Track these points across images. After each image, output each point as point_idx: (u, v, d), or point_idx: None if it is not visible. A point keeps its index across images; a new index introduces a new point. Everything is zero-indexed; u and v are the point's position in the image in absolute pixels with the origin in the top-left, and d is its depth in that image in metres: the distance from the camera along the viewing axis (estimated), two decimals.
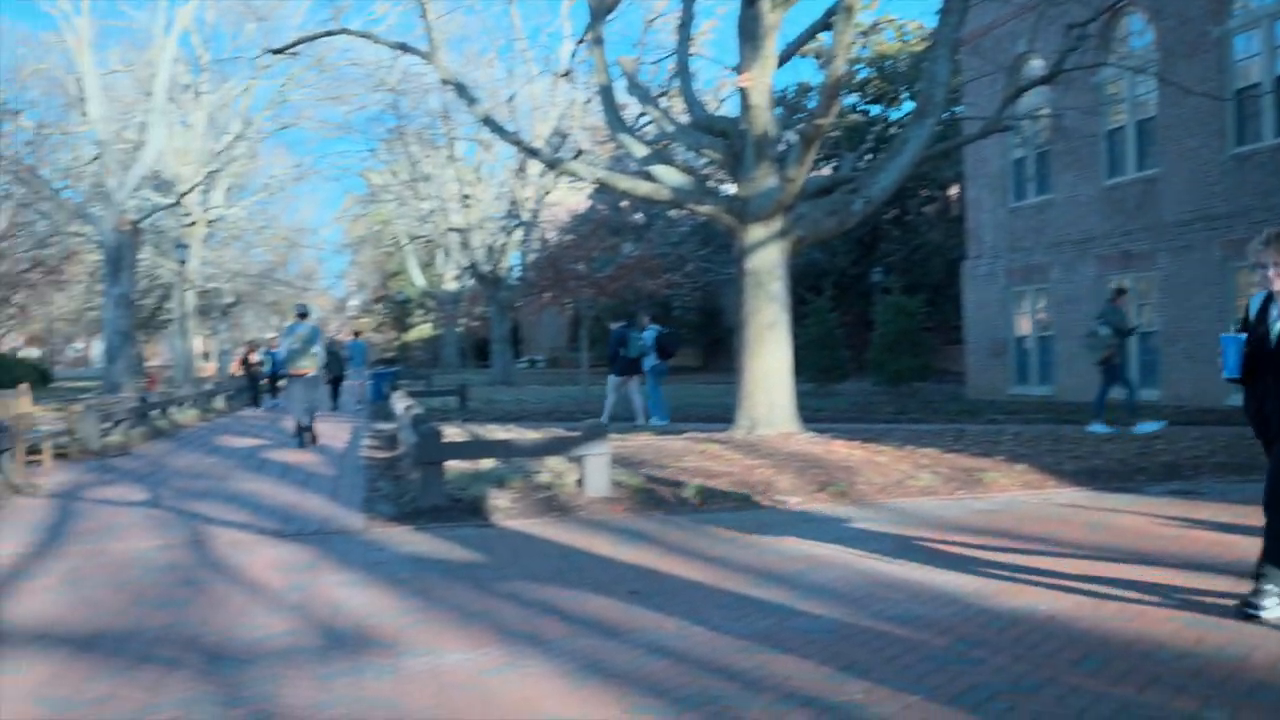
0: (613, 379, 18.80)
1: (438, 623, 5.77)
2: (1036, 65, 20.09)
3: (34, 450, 13.66)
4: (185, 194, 35.86)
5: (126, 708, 4.50)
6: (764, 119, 13.30)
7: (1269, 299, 5.44)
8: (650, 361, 18.61)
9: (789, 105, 37.33)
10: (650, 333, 18.73)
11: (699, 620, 5.66)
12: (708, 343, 49.25)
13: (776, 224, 13.76)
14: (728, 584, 6.50)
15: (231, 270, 50.34)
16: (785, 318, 13.97)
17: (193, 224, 39.30)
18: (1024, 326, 24.52)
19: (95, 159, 33.16)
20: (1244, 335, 5.46)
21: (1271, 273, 5.34)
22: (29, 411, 14.81)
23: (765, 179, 13.68)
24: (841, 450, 12.00)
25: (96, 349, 76.50)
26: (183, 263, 33.88)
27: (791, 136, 19.66)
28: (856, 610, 5.80)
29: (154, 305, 53.61)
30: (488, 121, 16.00)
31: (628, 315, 22.08)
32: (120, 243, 29.78)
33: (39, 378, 44.23)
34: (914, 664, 4.82)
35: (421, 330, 74.88)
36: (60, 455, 14.45)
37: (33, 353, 66.07)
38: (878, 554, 7.30)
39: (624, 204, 42.43)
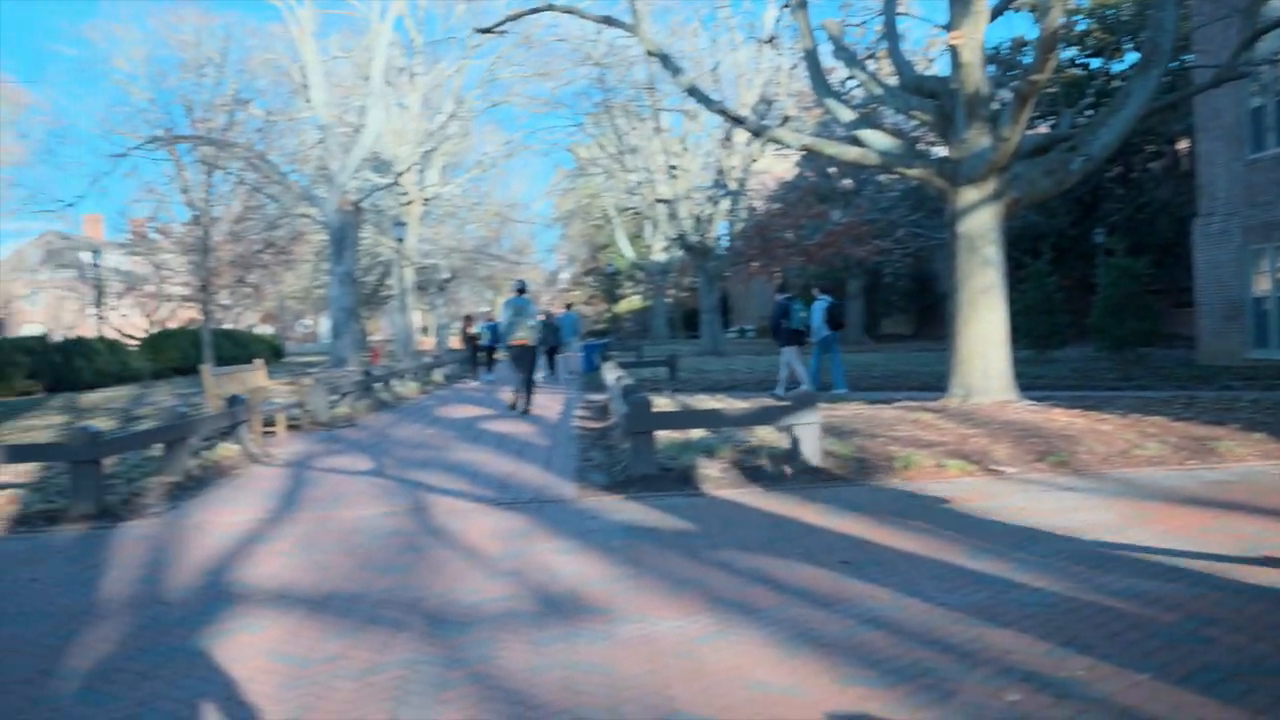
0: (786, 351, 18.90)
1: (649, 590, 5.89)
2: (1276, 5, 18.67)
3: (269, 422, 14.59)
4: (402, 174, 37.33)
5: (355, 666, 4.78)
6: (976, 77, 12.85)
7: None
8: (821, 333, 18.79)
9: (1002, 62, 35.92)
10: (820, 305, 18.93)
11: (913, 591, 5.58)
12: (919, 310, 48.14)
13: (990, 186, 13.30)
14: (942, 555, 6.39)
15: (447, 246, 52.16)
16: (1000, 282, 13.51)
17: (410, 202, 40.89)
18: (1262, 287, 22.93)
19: (319, 143, 34.83)
20: None
21: None
22: (264, 386, 15.84)
23: (978, 139, 13.23)
24: (1061, 418, 11.55)
25: (323, 325, 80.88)
26: (401, 240, 35.33)
27: (1005, 95, 18.94)
28: (1078, 584, 5.60)
29: (375, 282, 56.14)
30: (692, 91, 16.03)
31: (798, 288, 22.14)
32: (343, 223, 31.27)
33: (272, 353, 47.15)
34: (1140, 641, 4.63)
35: (631, 302, 75.91)
36: (293, 426, 15.36)
37: (266, 330, 70.32)
38: (1101, 525, 7.02)
39: (832, 170, 41.81)
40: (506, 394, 17.79)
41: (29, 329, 58.01)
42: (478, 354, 29.04)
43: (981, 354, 13.33)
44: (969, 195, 13.34)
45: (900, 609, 5.29)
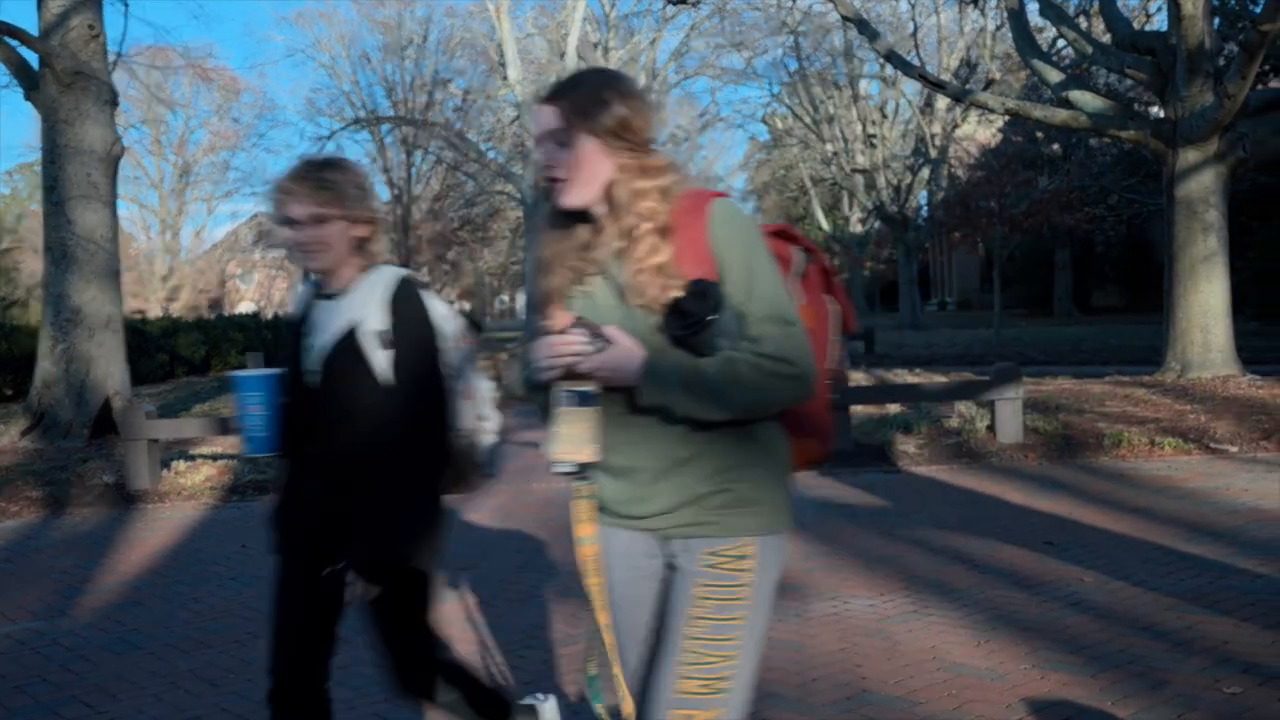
0: None
1: (843, 568, 5.78)
2: None
3: None
4: None
5: (550, 636, 4.85)
6: (1199, 30, 12.03)
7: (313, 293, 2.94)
8: None
9: (1228, 14, 33.67)
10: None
11: (1121, 575, 5.29)
12: (1133, 281, 45.72)
13: (1212, 146, 12.47)
14: (1154, 537, 6.04)
15: None
16: (1223, 250, 12.68)
17: None
18: None
19: (515, 120, 35.56)
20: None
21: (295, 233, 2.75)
22: None
23: (1200, 97, 12.41)
24: None
25: (520, 301, 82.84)
26: None
27: (1231, 49, 17.73)
28: None
29: None
30: (890, 57, 15.60)
31: None
32: (539, 198, 31.83)
33: (472, 328, 48.49)
34: None
35: None
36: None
37: (465, 306, 72.53)
38: None
39: (1039, 135, 40.11)
40: None
41: (244, 307, 61.56)
42: None
43: (1201, 326, 12.56)
44: (1189, 157, 12.54)
45: (1107, 593, 5.02)
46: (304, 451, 2.88)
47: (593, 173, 2.05)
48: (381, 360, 2.72)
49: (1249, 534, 6.01)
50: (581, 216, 2.12)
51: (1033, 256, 43.74)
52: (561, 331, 2.02)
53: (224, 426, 10.20)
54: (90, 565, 6.75)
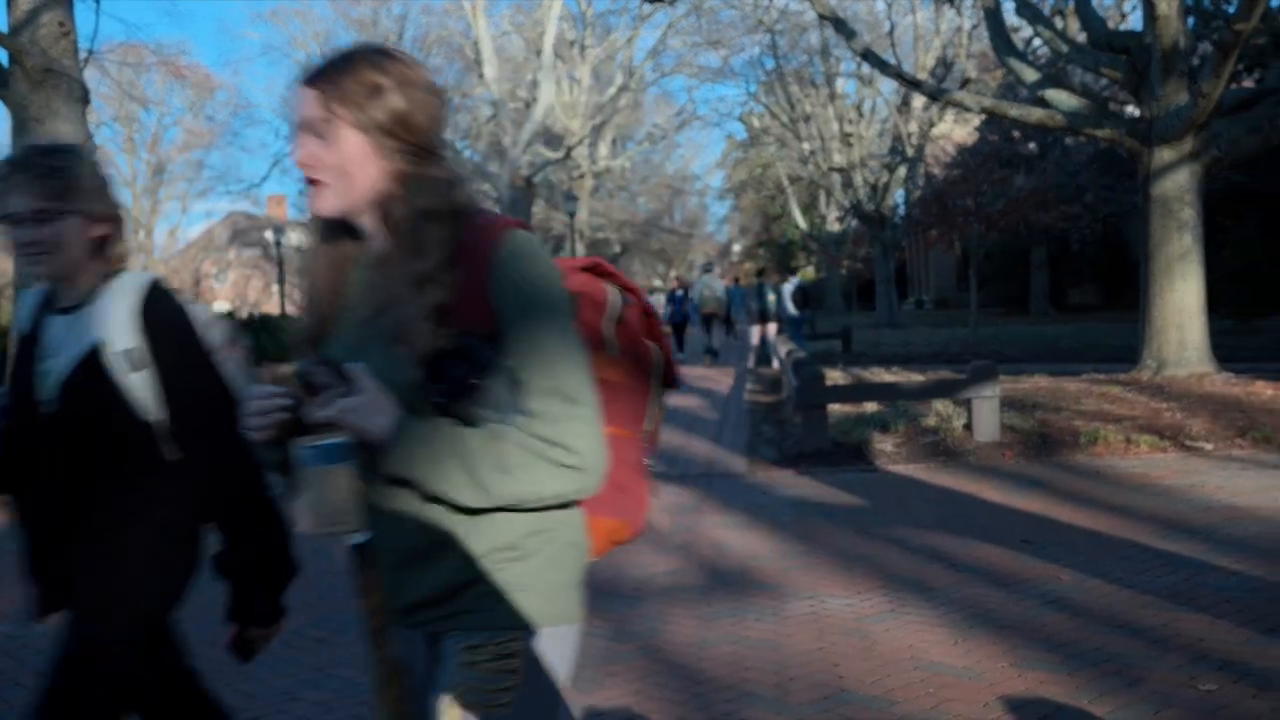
0: (750, 329, 21.56)
1: (820, 567, 5.77)
2: None
3: None
4: (573, 147, 37.71)
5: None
6: (1174, 29, 12.11)
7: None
8: (788, 313, 20.90)
9: (1202, 13, 33.90)
10: (788, 287, 21.43)
11: (1098, 573, 5.31)
12: (1108, 279, 45.97)
13: (1187, 145, 12.54)
14: (1131, 535, 6.06)
15: (619, 220, 52.56)
16: (1197, 248, 12.75)
17: (581, 176, 41.32)
18: None
19: (491, 119, 35.47)
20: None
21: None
22: None
23: (1175, 96, 12.47)
24: (1267, 391, 10.85)
25: None
26: (573, 214, 35.72)
27: (1205, 48, 17.85)
28: None
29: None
30: (867, 55, 15.62)
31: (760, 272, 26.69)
32: (515, 198, 31.79)
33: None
34: None
35: (804, 274, 75.03)
36: None
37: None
38: None
39: (1015, 134, 40.28)
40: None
41: (218, 306, 61.22)
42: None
43: (1176, 324, 12.63)
44: (1164, 156, 12.61)
45: (1083, 591, 5.03)
46: (31, 493, 2.41)
47: (356, 177, 1.66)
48: (137, 385, 2.31)
49: (1223, 532, 6.03)
50: (349, 228, 1.75)
51: (1009, 255, 43.93)
52: (275, 381, 1.68)
53: None
54: None
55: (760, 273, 26.18)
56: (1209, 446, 8.85)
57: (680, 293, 24.44)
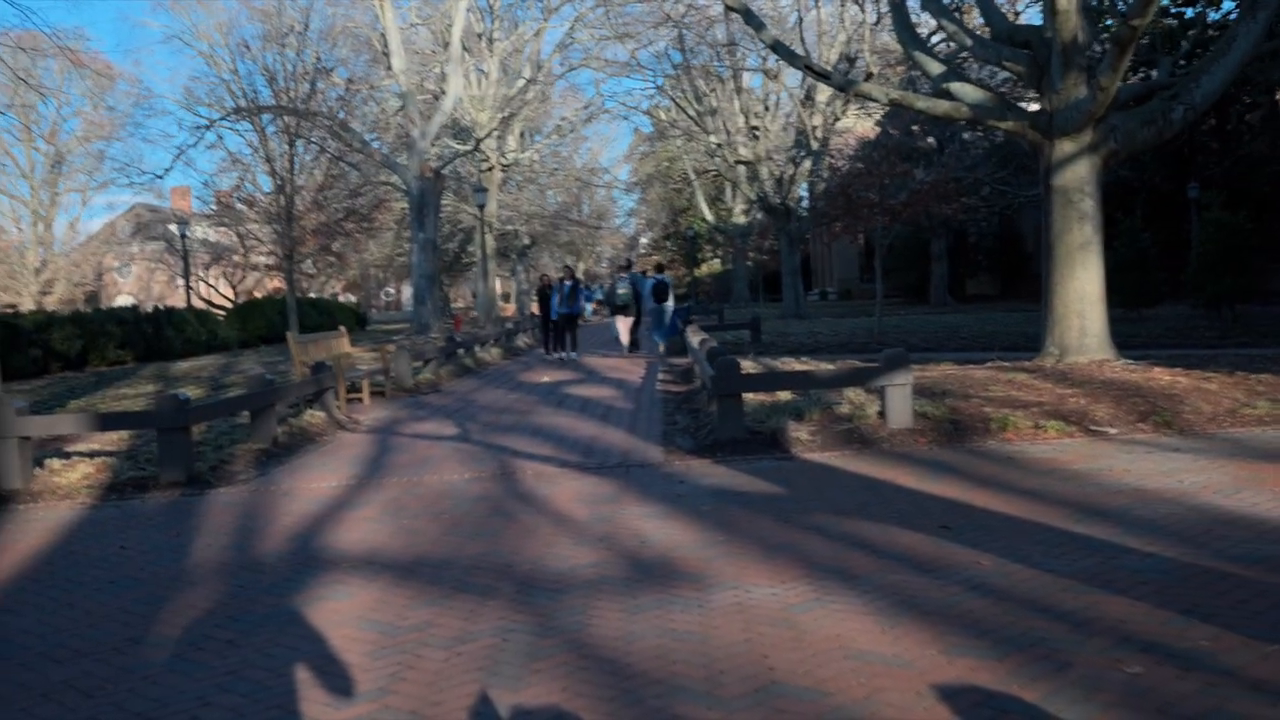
0: (615, 319, 23.53)
1: (742, 556, 5.73)
2: None
3: (354, 388, 14.68)
4: (482, 140, 37.37)
5: (445, 634, 4.68)
6: (1072, 24, 12.36)
7: None
8: (649, 305, 22.65)
9: (1093, 13, 34.71)
10: (648, 282, 23.10)
11: (1018, 557, 5.35)
12: (1005, 270, 47.07)
13: (1086, 137, 12.82)
14: (1046, 519, 6.13)
15: (527, 212, 52.20)
16: (1097, 238, 13.05)
17: (490, 169, 40.95)
18: None
19: (399, 111, 34.98)
20: None
21: None
22: (348, 352, 15.94)
23: (1074, 89, 12.74)
24: (1164, 377, 11.13)
25: (406, 293, 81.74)
26: (482, 206, 35.40)
27: (1096, 48, 18.26)
28: (1194, 549, 5.32)
29: (456, 249, 56.43)
30: (776, 47, 15.68)
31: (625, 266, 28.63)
32: (424, 190, 31.39)
33: (356, 321, 47.69)
34: (1267, 610, 4.35)
35: (711, 266, 75.48)
36: (377, 393, 15.43)
37: (350, 298, 71.28)
38: (1213, 488, 6.69)
39: (915, 128, 40.92)
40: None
41: (122, 300, 59.48)
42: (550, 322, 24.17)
43: (1078, 312, 12.91)
44: (1064, 148, 12.87)
45: (1005, 575, 5.06)
46: None
47: None
48: None
49: (1134, 514, 6.13)
50: None
51: (910, 247, 44.72)
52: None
53: (104, 422, 9.80)
54: None
55: (626, 266, 28.90)
56: (1113, 431, 9.02)
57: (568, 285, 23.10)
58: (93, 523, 7.67)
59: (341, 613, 5.08)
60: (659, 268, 25.26)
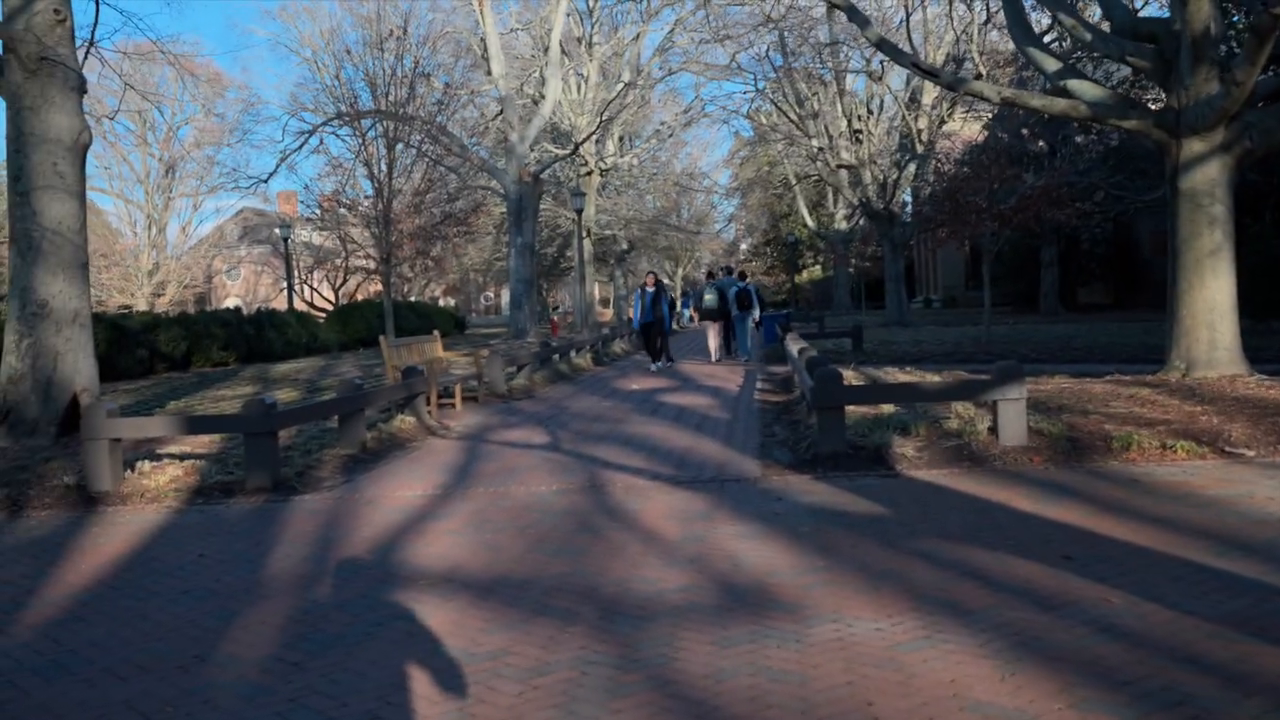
0: (706, 326, 23.04)
1: (843, 584, 5.29)
2: None
3: (446, 393, 14.49)
4: (580, 144, 37.25)
5: (521, 664, 4.34)
6: (1205, 13, 11.59)
7: None
8: (734, 312, 22.37)
9: (1223, 2, 33.30)
10: (733, 289, 22.54)
11: (1151, 595, 4.82)
12: (1119, 278, 45.49)
13: (1218, 136, 12.04)
14: (1180, 551, 5.57)
15: (625, 217, 52.06)
16: (1228, 244, 12.25)
17: (588, 173, 40.84)
18: None
19: (498, 115, 35.04)
20: None
21: None
22: (442, 357, 15.78)
23: (1205, 85, 11.97)
24: None
25: (505, 297, 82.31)
26: (580, 211, 35.28)
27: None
28: None
29: (554, 254, 56.55)
30: (881, 44, 15.12)
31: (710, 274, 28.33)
32: (522, 194, 31.35)
33: (454, 325, 47.98)
34: None
35: (812, 272, 74.56)
36: (470, 398, 15.24)
37: (450, 302, 72.00)
38: None
39: (1025, 131, 39.71)
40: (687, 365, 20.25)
41: (230, 302, 60.89)
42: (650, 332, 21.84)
43: (1207, 323, 12.12)
44: (1194, 147, 12.11)
45: (1139, 616, 4.54)
46: None
47: None
48: None
49: None
50: None
51: (1019, 254, 43.39)
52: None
53: (192, 425, 9.73)
54: (38, 575, 6.26)
55: (709, 275, 28.56)
56: (1251, 453, 8.34)
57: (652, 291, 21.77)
58: (176, 528, 7.52)
59: (414, 635, 4.77)
60: (741, 274, 24.74)
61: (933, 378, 12.82)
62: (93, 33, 14.29)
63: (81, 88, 12.14)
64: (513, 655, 4.44)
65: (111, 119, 36.69)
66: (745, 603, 5.05)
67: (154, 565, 6.38)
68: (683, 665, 4.23)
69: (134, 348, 22.81)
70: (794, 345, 15.62)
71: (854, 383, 12.22)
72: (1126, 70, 31.01)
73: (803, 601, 5.02)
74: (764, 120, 49.06)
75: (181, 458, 9.79)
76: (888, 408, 10.32)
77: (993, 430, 8.98)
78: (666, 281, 61.60)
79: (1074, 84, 13.17)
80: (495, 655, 4.45)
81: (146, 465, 9.28)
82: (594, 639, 4.61)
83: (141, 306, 45.07)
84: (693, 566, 5.75)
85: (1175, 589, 4.90)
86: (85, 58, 12.73)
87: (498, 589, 5.48)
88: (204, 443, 10.71)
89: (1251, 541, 5.70)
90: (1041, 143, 39.80)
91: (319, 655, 4.56)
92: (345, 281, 49.34)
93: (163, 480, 8.92)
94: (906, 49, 33.04)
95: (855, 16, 14.86)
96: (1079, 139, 39.12)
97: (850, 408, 9.61)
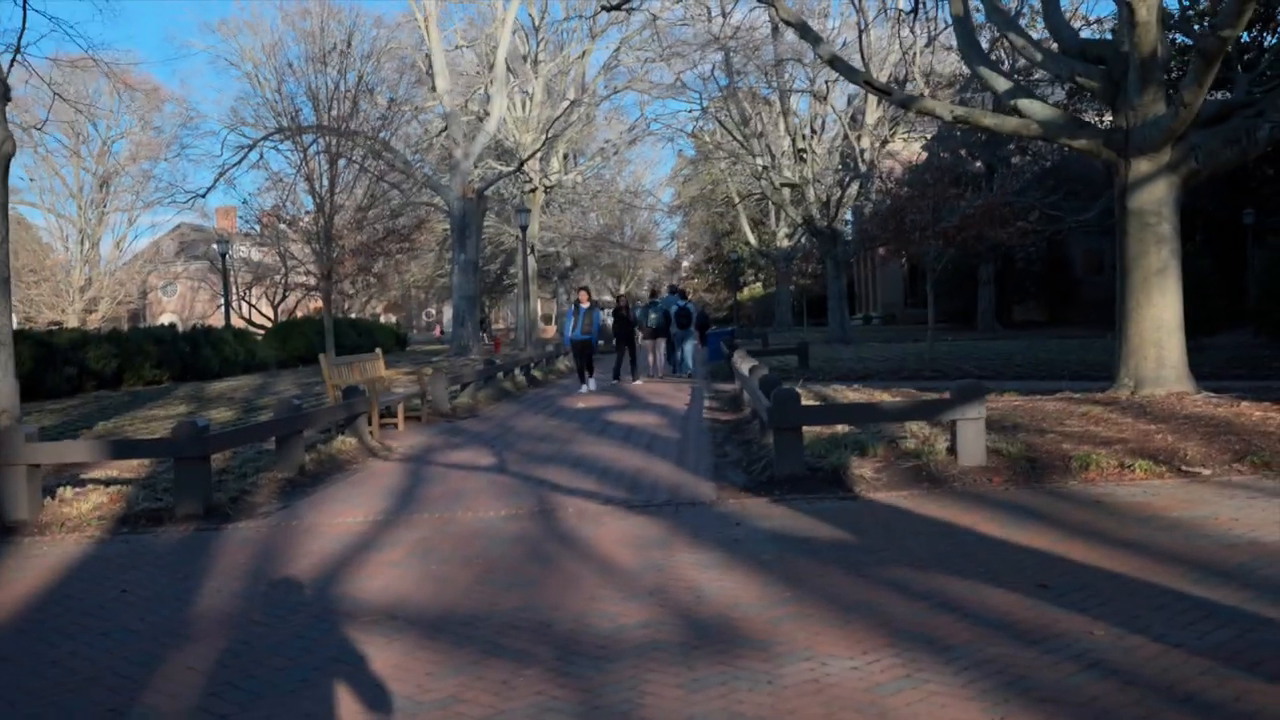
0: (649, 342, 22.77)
1: (813, 617, 5.03)
2: None
3: (388, 413, 14.05)
4: (525, 161, 36.96)
5: (473, 713, 4.01)
6: (1152, 36, 11.60)
7: None
8: (673, 329, 22.69)
9: (1179, 23, 33.74)
10: (674, 307, 23.01)
11: (1135, 626, 4.62)
12: (1053, 296, 46.08)
13: (1165, 156, 12.05)
14: (1157, 577, 5.38)
15: (569, 234, 51.77)
16: (1175, 262, 12.27)
17: (533, 190, 40.51)
18: None
19: (442, 131, 34.69)
20: None
21: None
22: (384, 375, 15.34)
23: (1152, 106, 11.98)
24: (1254, 412, 10.31)
25: (447, 314, 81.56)
26: (524, 228, 34.95)
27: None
28: None
29: (498, 271, 56.07)
30: (833, 62, 14.98)
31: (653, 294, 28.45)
32: (466, 210, 30.98)
33: (396, 342, 47.28)
34: None
35: (754, 289, 74.69)
36: (413, 417, 14.84)
37: (391, 319, 71.18)
38: None
39: (963, 152, 40.06)
40: (630, 382, 20.86)
41: (165, 319, 59.63)
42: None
43: (1155, 341, 12.12)
44: (1141, 167, 12.10)
45: (1126, 650, 4.33)
46: None
47: None
48: None
49: (1259, 574, 5.38)
50: None
51: (957, 272, 43.74)
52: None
53: (118, 450, 9.27)
54: None
55: (652, 294, 28.51)
56: (1207, 472, 8.23)
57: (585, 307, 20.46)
58: (98, 560, 7.07)
59: (356, 681, 4.43)
60: (682, 293, 24.77)
61: (884, 395, 12.67)
62: (19, 39, 13.75)
63: (5, 95, 11.66)
64: (464, 703, 4.11)
65: (40, 129, 35.79)
66: (712, 639, 4.77)
67: (71, 603, 5.94)
68: (650, 713, 3.94)
69: (62, 365, 22.07)
70: (744, 363, 15.40)
71: (809, 402, 12.03)
72: (1062, 94, 31.39)
73: (772, 637, 4.76)
74: (708, 139, 49.11)
75: (107, 483, 9.32)
76: (842, 427, 10.12)
77: (951, 450, 8.81)
78: (607, 297, 61.29)
79: (1025, 103, 13.14)
80: (445, 703, 4.12)
81: (68, 492, 8.79)
82: (552, 682, 4.30)
83: (73, 323, 43.91)
84: (653, 599, 5.46)
85: (1159, 619, 4.70)
86: (11, 66, 12.24)
87: (446, 626, 5.15)
88: (132, 466, 10.22)
89: (1224, 566, 5.53)
90: (979, 163, 40.18)
91: (250, 706, 4.20)
92: (285, 298, 48.44)
93: (85, 508, 8.42)
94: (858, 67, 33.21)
95: (807, 34, 14.72)
96: (1015, 160, 39.55)
97: (806, 428, 9.39)
